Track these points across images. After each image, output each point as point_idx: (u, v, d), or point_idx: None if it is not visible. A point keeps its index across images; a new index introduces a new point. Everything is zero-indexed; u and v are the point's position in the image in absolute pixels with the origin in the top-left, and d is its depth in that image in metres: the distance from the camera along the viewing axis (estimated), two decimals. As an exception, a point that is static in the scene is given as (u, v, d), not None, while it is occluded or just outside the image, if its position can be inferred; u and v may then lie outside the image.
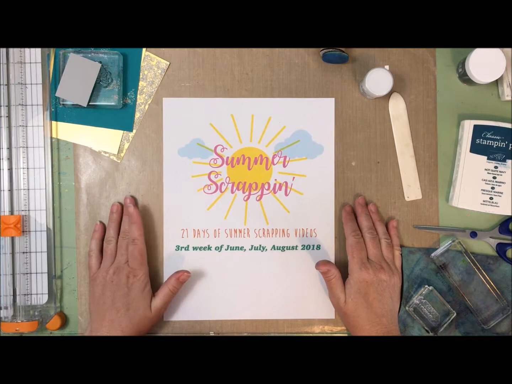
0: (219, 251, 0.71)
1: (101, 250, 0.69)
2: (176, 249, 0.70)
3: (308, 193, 0.71)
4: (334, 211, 0.71)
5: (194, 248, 0.71)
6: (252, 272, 0.71)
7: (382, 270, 0.66)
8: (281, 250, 0.71)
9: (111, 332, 0.63)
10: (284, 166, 0.71)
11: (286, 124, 0.71)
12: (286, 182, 0.71)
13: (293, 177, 0.71)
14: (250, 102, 0.71)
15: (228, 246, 0.71)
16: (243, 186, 0.71)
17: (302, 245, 0.71)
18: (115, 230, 0.68)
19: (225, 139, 0.71)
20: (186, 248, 0.70)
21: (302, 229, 0.71)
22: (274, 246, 0.71)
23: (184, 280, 0.68)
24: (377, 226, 0.69)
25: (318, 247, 0.71)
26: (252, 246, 0.71)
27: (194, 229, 0.71)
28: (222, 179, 0.71)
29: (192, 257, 0.70)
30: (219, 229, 0.71)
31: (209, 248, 0.71)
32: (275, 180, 0.71)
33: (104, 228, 0.70)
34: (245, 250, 0.71)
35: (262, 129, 0.71)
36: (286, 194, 0.71)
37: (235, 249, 0.71)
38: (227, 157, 0.71)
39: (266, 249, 0.71)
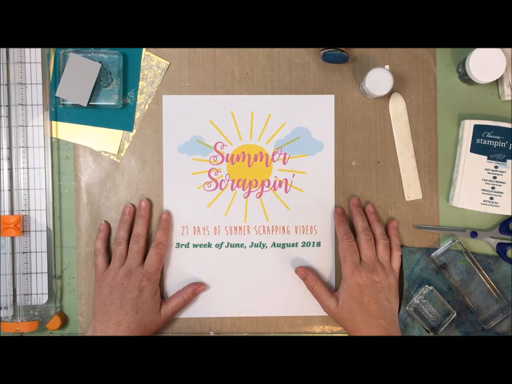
0: (219, 248, 0.71)
1: (107, 250, 0.69)
2: (176, 247, 0.70)
3: (308, 190, 0.71)
4: (334, 208, 0.71)
5: (194, 246, 0.71)
6: (252, 269, 0.71)
7: (375, 272, 0.66)
8: (281, 247, 0.71)
9: (117, 334, 0.63)
10: (284, 163, 0.71)
11: (286, 121, 0.71)
12: (286, 179, 0.71)
13: (293, 174, 0.71)
14: (250, 99, 0.71)
15: (228, 243, 0.71)
16: (243, 183, 0.71)
17: (302, 242, 0.71)
18: (126, 232, 0.68)
19: (225, 136, 0.71)
20: (186, 246, 0.71)
21: (302, 226, 0.71)
22: (274, 243, 0.71)
23: (199, 293, 0.69)
24: (375, 226, 0.69)
25: (319, 244, 0.71)
26: (252, 243, 0.71)
27: (194, 227, 0.71)
28: (222, 176, 0.71)
29: (192, 254, 0.70)
30: (219, 226, 0.71)
31: (209, 245, 0.71)
32: (275, 177, 0.71)
33: (109, 228, 0.70)
34: (245, 247, 0.71)
35: (262, 126, 0.71)
36: (286, 191, 0.71)
37: (235, 246, 0.71)
38: (227, 154, 0.71)
39: (266, 246, 0.71)
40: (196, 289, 0.69)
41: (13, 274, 0.68)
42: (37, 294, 0.69)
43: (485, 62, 0.65)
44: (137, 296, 0.65)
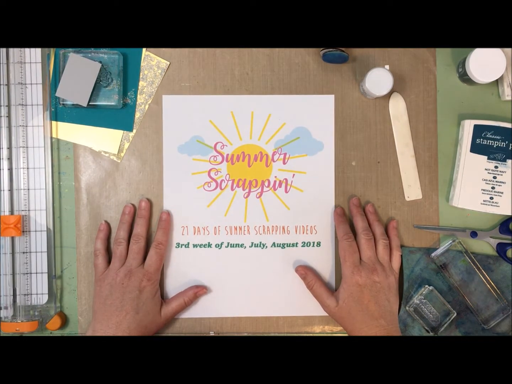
0: (219, 248, 0.71)
1: (107, 250, 0.69)
2: (176, 247, 0.70)
3: (308, 190, 0.71)
4: (334, 208, 0.71)
5: (194, 246, 0.71)
6: (252, 269, 0.71)
7: (375, 272, 0.66)
8: (281, 247, 0.71)
9: (117, 334, 0.63)
10: (284, 163, 0.71)
11: (286, 121, 0.71)
12: (286, 179, 0.71)
13: (293, 174, 0.71)
14: (250, 99, 0.71)
15: (228, 243, 0.71)
16: (243, 183, 0.71)
17: (302, 242, 0.71)
18: (126, 232, 0.68)
19: (225, 136, 0.71)
20: (186, 246, 0.71)
21: (302, 226, 0.71)
22: (274, 243, 0.71)
23: (201, 296, 0.69)
24: (375, 226, 0.69)
25: (319, 244, 0.71)
26: (252, 243, 0.71)
27: (194, 227, 0.71)
28: (222, 176, 0.71)
29: (192, 254, 0.70)
30: (219, 226, 0.71)
31: (209, 245, 0.71)
32: (275, 177, 0.71)
33: (109, 228, 0.70)
34: (245, 247, 0.71)
35: (262, 126, 0.71)
36: (286, 191, 0.71)
37: (235, 246, 0.71)
38: (227, 154, 0.71)
39: (266, 246, 0.71)
40: (197, 292, 0.69)
41: (13, 274, 0.68)
42: (37, 294, 0.69)
43: (485, 62, 0.65)
44: (137, 296, 0.65)
